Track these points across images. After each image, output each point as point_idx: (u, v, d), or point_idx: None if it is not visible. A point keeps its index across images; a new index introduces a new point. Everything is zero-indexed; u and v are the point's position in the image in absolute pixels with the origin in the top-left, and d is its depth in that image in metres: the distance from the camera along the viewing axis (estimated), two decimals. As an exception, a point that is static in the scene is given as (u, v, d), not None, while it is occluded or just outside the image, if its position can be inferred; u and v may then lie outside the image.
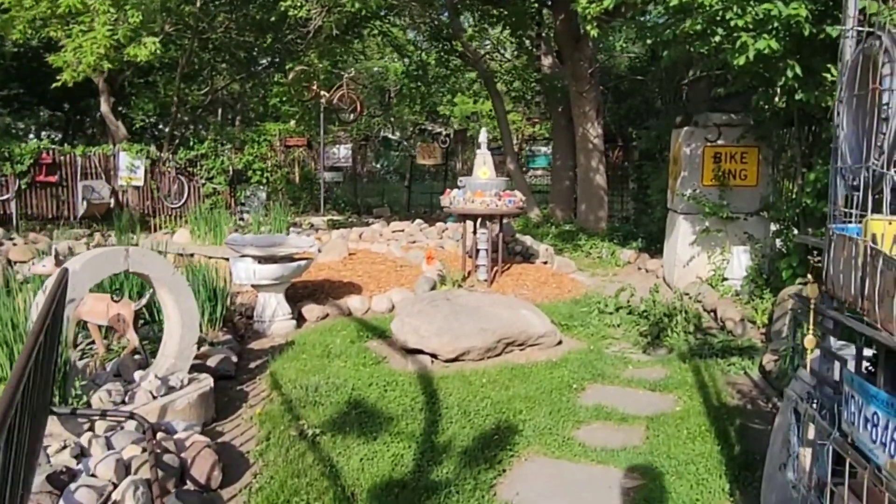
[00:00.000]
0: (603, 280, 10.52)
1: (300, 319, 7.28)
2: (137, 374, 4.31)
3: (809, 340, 2.29)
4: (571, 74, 12.96)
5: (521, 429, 4.53)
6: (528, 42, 14.65)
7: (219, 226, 11.94)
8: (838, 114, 2.22)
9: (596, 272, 11.28)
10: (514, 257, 10.48)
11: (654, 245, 12.10)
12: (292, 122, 19.48)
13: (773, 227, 8.98)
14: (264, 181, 17.87)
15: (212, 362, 5.45)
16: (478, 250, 8.92)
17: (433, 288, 8.33)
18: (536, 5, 12.93)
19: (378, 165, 19.19)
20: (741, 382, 5.77)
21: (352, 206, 18.76)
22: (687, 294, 8.86)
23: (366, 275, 8.90)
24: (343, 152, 18.64)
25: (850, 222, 2.40)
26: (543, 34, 14.81)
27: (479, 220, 8.87)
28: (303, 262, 6.91)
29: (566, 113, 14.49)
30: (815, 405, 2.29)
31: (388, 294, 8.04)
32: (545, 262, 10.44)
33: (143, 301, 4.91)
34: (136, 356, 4.92)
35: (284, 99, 17.13)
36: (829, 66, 5.22)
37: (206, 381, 4.56)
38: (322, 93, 16.05)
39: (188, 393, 4.31)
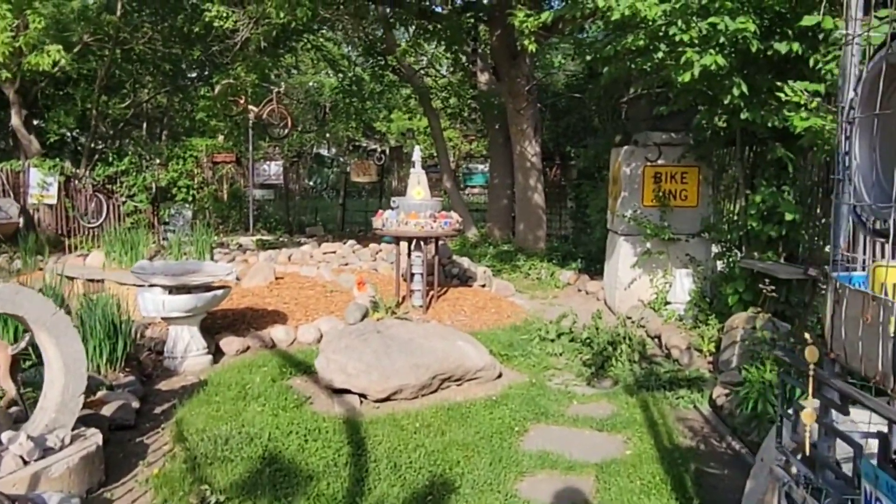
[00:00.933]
0: (543, 303, 10.17)
1: (218, 353, 6.64)
2: (6, 435, 3.64)
3: (808, 415, 1.89)
4: (508, 91, 12.66)
5: (458, 484, 4.04)
6: (464, 58, 14.31)
7: (136, 247, 11.19)
8: (846, 138, 1.84)
9: (535, 294, 10.92)
10: (451, 280, 10.03)
11: (594, 266, 11.84)
12: (220, 138, 18.67)
13: (714, 249, 8.80)
14: (190, 199, 17.02)
15: (108, 410, 4.79)
16: (412, 274, 8.43)
17: (365, 315, 7.80)
18: (472, 21, 12.61)
19: (311, 183, 18.50)
20: (691, 418, 5.43)
21: (284, 225, 18.04)
22: (630, 318, 8.57)
23: (293, 301, 8.30)
24: (274, 169, 17.92)
25: (852, 268, 2.01)
26: (479, 50, 14.51)
27: (414, 243, 8.40)
28: (219, 292, 6.28)
29: (503, 130, 14.20)
30: (810, 491, 1.89)
31: (317, 323, 7.46)
32: (483, 285, 10.02)
33: (22, 344, 4.23)
34: (13, 408, 4.24)
35: (212, 113, 16.32)
36: (778, 83, 4.96)
37: (94, 439, 3.92)
38: (251, 107, 15.37)
39: (69, 455, 3.67)
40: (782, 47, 5.04)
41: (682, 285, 8.05)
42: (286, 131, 16.59)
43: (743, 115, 5.78)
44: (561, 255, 12.68)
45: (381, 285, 9.37)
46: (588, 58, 7.33)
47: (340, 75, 19.43)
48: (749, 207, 6.56)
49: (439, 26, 11.60)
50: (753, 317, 5.76)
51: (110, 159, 16.35)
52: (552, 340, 7.58)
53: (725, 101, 5.65)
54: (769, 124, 5.73)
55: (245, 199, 17.65)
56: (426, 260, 8.35)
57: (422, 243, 8.29)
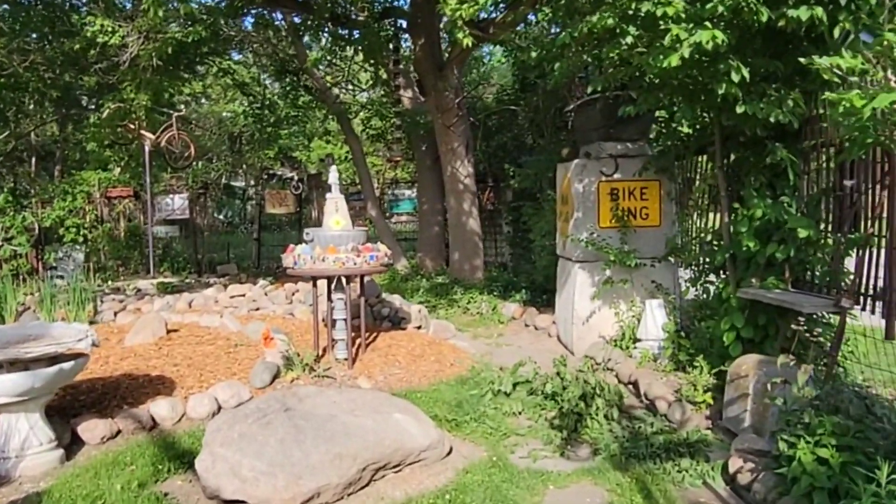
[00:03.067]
0: (488, 344, 8.84)
1: (75, 444, 5.00)
2: None
3: None
4: (436, 106, 11.40)
5: None
6: (384, 73, 13.00)
7: (4, 300, 9.33)
8: None
9: (478, 333, 9.58)
10: (381, 323, 8.59)
11: (540, 297, 10.61)
12: (117, 171, 16.76)
13: (683, 275, 7.67)
14: (81, 240, 15.05)
15: None
16: (334, 321, 6.97)
17: (276, 376, 6.28)
18: (392, 29, 11.33)
19: (221, 216, 16.77)
20: (704, 500, 4.15)
21: (193, 265, 16.21)
22: (592, 358, 7.34)
23: (186, 363, 6.69)
24: (178, 202, 16.09)
25: None
26: (402, 64, 13.25)
27: (335, 282, 6.95)
28: (68, 364, 4.67)
29: (431, 151, 12.94)
30: None
31: (213, 391, 5.89)
32: (419, 327, 8.62)
33: None
34: None
35: (101, 141, 14.48)
36: (802, 60, 3.79)
37: None
38: (146, 133, 13.63)
39: None
40: (802, 13, 3.90)
41: (653, 319, 6.84)
42: (189, 160, 14.89)
43: (739, 109, 4.62)
44: (502, 285, 11.42)
45: (297, 334, 7.86)
46: (534, 54, 6.11)
47: (251, 99, 17.87)
48: (738, 224, 5.40)
49: (355, 33, 10.26)
50: (767, 361, 4.54)
51: (-19, 198, 14.28)
52: (507, 394, 6.24)
53: (720, 92, 4.48)
54: (773, 119, 4.58)
55: (145, 237, 15.79)
56: (350, 302, 6.91)
57: (344, 282, 6.85)
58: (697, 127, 6.70)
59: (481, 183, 14.58)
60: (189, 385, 6.13)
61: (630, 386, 6.32)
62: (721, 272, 6.45)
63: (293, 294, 9.36)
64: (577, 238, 7.63)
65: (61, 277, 15.24)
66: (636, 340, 7.04)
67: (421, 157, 13.69)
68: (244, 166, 19.05)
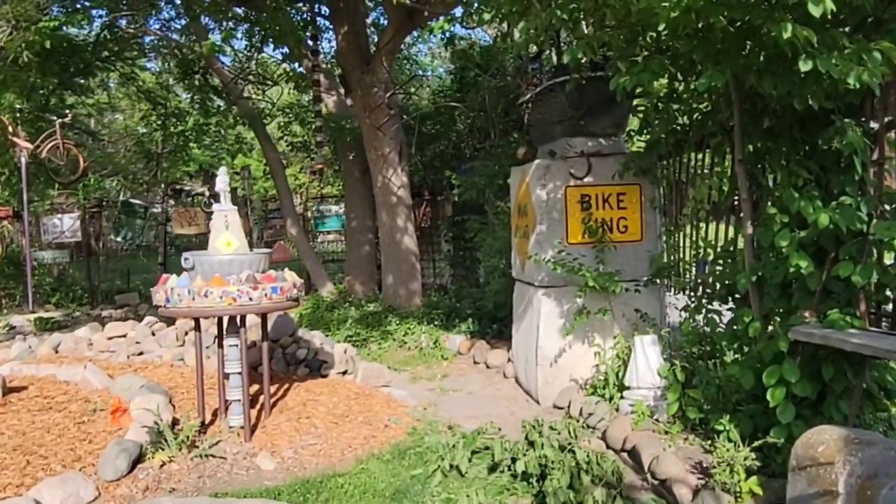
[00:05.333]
0: (431, 389, 7.18)
1: None
2: None
3: None
4: (363, 105, 9.72)
5: None
6: (304, 70, 11.25)
7: None
8: None
9: (418, 374, 7.92)
10: (295, 369, 6.81)
11: (489, 326, 9.02)
12: (-4, 189, 14.45)
13: (673, 301, 6.19)
14: (-55, 268, 12.75)
15: None
16: (227, 375, 5.18)
17: (138, 461, 4.47)
18: (308, 15, 9.59)
19: (120, 238, 14.63)
20: None
21: (89, 294, 14.00)
22: (564, 410, 5.78)
23: (13, 442, 4.79)
24: (68, 223, 13.92)
25: None
26: (322, 58, 11.54)
27: (227, 323, 5.17)
28: None
29: (360, 161, 11.24)
30: None
31: (37, 492, 4.04)
32: (345, 372, 6.88)
33: None
34: None
35: None
36: None
37: None
38: (21, 142, 11.48)
39: None
40: None
41: (646, 361, 5.30)
42: (78, 175, 12.76)
43: (804, 65, 3.12)
44: (443, 313, 9.76)
45: (185, 389, 6.04)
46: (487, 16, 4.54)
47: (160, 108, 15.81)
48: (777, 236, 3.90)
49: (262, 15, 8.51)
50: (862, 441, 3.01)
51: None
52: (463, 473, 4.57)
53: (786, 35, 2.97)
54: (852, 82, 3.10)
55: (33, 264, 13.53)
56: (245, 348, 5.14)
57: (239, 322, 5.07)
58: (696, 116, 5.25)
59: (417, 196, 12.96)
60: (8, 479, 4.25)
61: (625, 454, 4.74)
62: (730, 299, 4.98)
63: (186, 333, 7.48)
64: (541, 258, 6.06)
65: (-78, 313, 12.94)
66: (623, 388, 5.47)
67: (348, 167, 11.96)
68: (145, 182, 16.88)
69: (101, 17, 13.66)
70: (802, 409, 3.81)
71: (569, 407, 5.88)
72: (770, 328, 4.28)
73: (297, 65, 11.20)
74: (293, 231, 12.07)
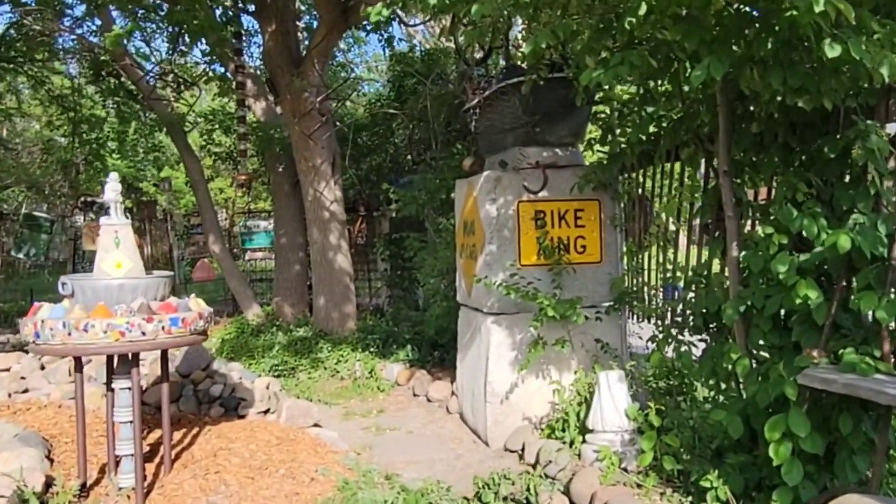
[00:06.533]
0: (366, 428, 6.38)
1: None
2: None
3: None
4: (292, 111, 8.87)
5: None
6: (229, 73, 10.34)
7: None
8: None
9: (352, 409, 7.11)
10: (208, 409, 5.89)
11: (430, 354, 8.28)
12: None
13: (633, 328, 5.58)
14: None
15: None
16: (117, 425, 4.28)
17: (-8, 540, 3.52)
18: (231, 10, 8.70)
19: (21, 255, 13.29)
20: None
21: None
22: (518, 455, 5.09)
23: None
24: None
25: None
26: (253, 66, 10.66)
27: (116, 362, 4.27)
28: None
29: (290, 173, 10.39)
30: None
31: None
32: (266, 411, 5.99)
33: None
34: None
35: None
36: None
37: None
38: None
39: None
40: None
41: (612, 400, 4.63)
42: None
43: (831, 51, 2.51)
44: (380, 338, 8.96)
45: (71, 438, 5.05)
46: (433, 1, 3.84)
47: (72, 114, 14.54)
48: (775, 260, 3.29)
49: (176, 7, 7.60)
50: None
51: None
52: (404, 543, 3.79)
53: (816, 10, 2.35)
54: (886, 73, 2.51)
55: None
56: (139, 392, 4.25)
57: (129, 361, 4.18)
58: (665, 123, 4.65)
59: (352, 211, 12.16)
60: None
61: (593, 513, 4.05)
62: (706, 328, 4.39)
63: (87, 363, 6.46)
64: (491, 281, 5.36)
65: None
66: (586, 430, 4.79)
67: (278, 179, 11.08)
68: (62, 195, 15.54)
69: (6, 13, 12.51)
70: (807, 465, 3.19)
71: (523, 451, 5.19)
72: (761, 367, 3.67)
73: (220, 67, 10.28)
74: (215, 248, 11.08)
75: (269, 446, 5.16)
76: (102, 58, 11.50)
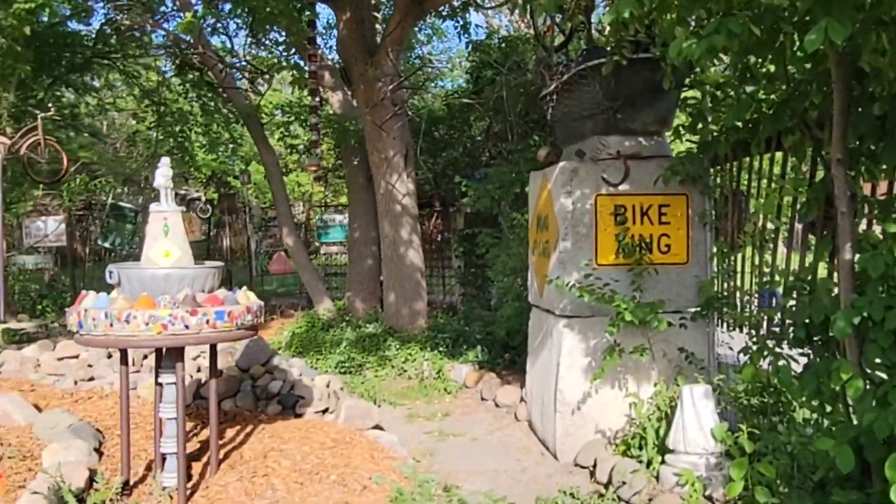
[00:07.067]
0: (429, 433, 6.07)
1: None
2: None
3: None
4: (365, 101, 8.65)
5: None
6: (306, 65, 10.22)
7: None
8: None
9: (416, 411, 6.81)
10: (265, 406, 5.69)
11: (501, 356, 7.89)
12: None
13: (725, 338, 5.03)
14: (-85, 272, 11.75)
15: None
16: (162, 422, 4.09)
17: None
18: (304, 1, 8.52)
19: (107, 244, 13.64)
20: None
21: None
22: (589, 471, 4.65)
23: None
24: (52, 226, 12.95)
25: None
26: (330, 57, 10.50)
27: (164, 354, 4.08)
28: None
29: (365, 166, 10.17)
30: None
31: None
32: (325, 411, 5.75)
33: None
34: None
35: None
36: None
37: None
38: (-2, 137, 10.56)
39: None
40: None
41: (696, 418, 4.13)
42: (60, 174, 11.80)
43: None
44: (450, 338, 8.64)
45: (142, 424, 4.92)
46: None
47: (162, 108, 14.88)
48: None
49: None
50: None
51: None
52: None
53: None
54: None
55: (13, 268, 12.57)
56: (184, 388, 4.05)
57: (175, 355, 3.97)
58: (764, 108, 4.10)
59: (427, 206, 11.89)
60: None
61: (672, 548, 3.58)
62: (809, 341, 3.82)
63: (145, 357, 6.41)
64: (564, 282, 4.93)
65: None
66: (665, 451, 4.30)
67: (353, 172, 10.91)
68: (139, 185, 15.93)
69: (102, 10, 12.85)
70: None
71: (594, 468, 4.74)
72: (877, 390, 3.12)
73: (298, 58, 10.17)
74: (289, 241, 11.01)
75: (323, 449, 4.89)
76: (186, 51, 11.63)
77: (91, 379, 6.35)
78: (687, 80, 4.92)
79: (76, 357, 6.67)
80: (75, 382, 6.28)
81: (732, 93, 4.24)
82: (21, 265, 12.66)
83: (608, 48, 4.67)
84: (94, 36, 14.33)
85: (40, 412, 5.19)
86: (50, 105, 11.93)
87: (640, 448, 4.53)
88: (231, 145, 14.71)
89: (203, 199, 13.64)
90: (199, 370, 5.96)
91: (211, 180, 18.18)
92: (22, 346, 8.05)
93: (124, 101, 20.02)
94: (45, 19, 13.54)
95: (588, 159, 5.12)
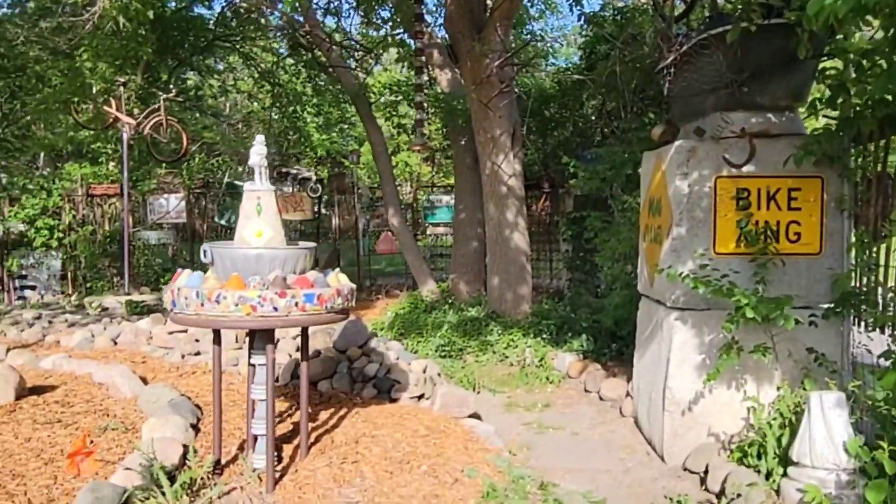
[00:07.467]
0: (527, 424, 5.81)
1: None
2: None
3: None
4: (472, 79, 8.40)
5: None
6: (416, 44, 10.06)
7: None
8: None
9: (515, 400, 6.57)
10: (361, 389, 5.61)
11: (607, 346, 7.51)
12: (111, 165, 14.29)
13: (863, 339, 4.49)
14: (55, 244, 12.59)
15: None
16: (253, 402, 4.05)
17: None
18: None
19: (223, 221, 14.13)
20: None
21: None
22: (699, 478, 4.27)
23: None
24: (173, 203, 13.53)
25: None
26: (438, 34, 10.31)
27: (256, 336, 4.03)
28: None
29: (472, 147, 9.94)
30: None
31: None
32: (420, 397, 5.60)
33: None
34: None
35: (48, 119, 12.01)
36: None
37: None
38: (124, 117, 11.06)
39: None
40: None
41: (826, 429, 3.66)
42: (180, 154, 12.27)
43: None
44: (555, 324, 8.32)
45: (226, 407, 4.96)
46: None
47: (278, 88, 15.24)
48: None
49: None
50: None
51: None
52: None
53: None
54: None
55: (138, 243, 13.25)
56: (273, 370, 3.98)
57: (266, 337, 3.91)
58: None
59: (535, 188, 11.54)
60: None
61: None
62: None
63: (248, 334, 6.49)
64: (677, 271, 4.53)
65: (32, 288, 12.92)
66: (788, 462, 3.86)
67: (460, 153, 10.72)
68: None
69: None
70: None
71: (705, 474, 4.36)
72: None
73: (405, 34, 10.03)
74: (394, 221, 10.98)
75: (415, 437, 4.75)
76: (297, 31, 11.77)
77: (197, 353, 6.50)
78: (826, 49, 4.37)
79: (185, 331, 6.85)
80: (182, 356, 6.46)
81: (882, 61, 3.69)
82: (145, 240, 13.30)
83: (735, 15, 4.21)
84: (215, 19, 14.83)
85: (146, 385, 5.34)
86: (172, 87, 12.42)
87: (759, 457, 4.10)
88: (344, 126, 14.86)
89: (314, 178, 13.84)
90: (297, 350, 5.96)
91: (323, 160, 18.55)
92: (142, 318, 8.43)
93: (244, 82, 20.72)
94: (174, 5, 14.11)
95: (708, 138, 4.66)
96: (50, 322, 9.03)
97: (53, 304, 11.05)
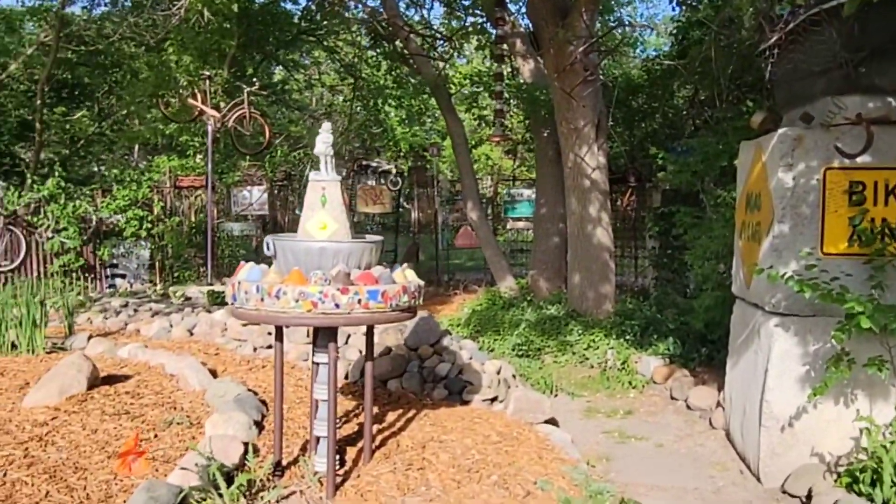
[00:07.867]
0: (608, 433, 5.46)
1: None
2: None
3: None
4: (554, 67, 8.03)
5: None
6: (497, 31, 9.75)
7: (33, 308, 6.33)
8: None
9: (595, 405, 6.22)
10: (431, 389, 5.38)
11: (696, 350, 7.02)
12: (198, 158, 14.62)
13: None
14: (144, 234, 12.95)
15: None
16: (315, 402, 3.87)
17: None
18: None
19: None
20: None
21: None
22: (793, 496, 3.83)
23: (56, 456, 3.83)
24: (256, 195, 13.72)
25: None
26: (521, 22, 9.95)
27: (319, 335, 3.84)
28: None
29: (555, 139, 9.57)
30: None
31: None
32: (493, 400, 5.33)
33: None
34: None
35: (138, 112, 12.30)
36: None
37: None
38: (209, 110, 11.24)
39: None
40: None
41: (957, 458, 3.18)
42: (263, 146, 12.38)
43: None
44: (639, 325, 7.88)
45: (289, 405, 4.84)
46: None
47: (360, 80, 15.24)
48: None
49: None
50: None
51: (31, 183, 12.54)
52: None
53: None
54: None
55: (222, 234, 13.50)
56: (335, 370, 3.78)
57: (328, 334, 3.72)
58: None
59: (621, 182, 11.07)
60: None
61: None
62: None
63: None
64: (778, 272, 4.08)
65: (123, 276, 13.35)
66: (908, 494, 3.40)
67: (542, 145, 10.37)
68: (352, 157, 16.48)
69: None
70: None
71: (808, 499, 3.92)
72: None
73: (487, 23, 9.75)
74: (473, 215, 10.73)
75: (486, 443, 4.48)
76: (378, 21, 11.67)
77: (269, 347, 6.42)
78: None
79: (257, 324, 6.80)
80: (254, 349, 6.40)
81: None
82: (229, 231, 13.54)
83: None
84: (300, 13, 14.93)
85: (215, 377, 5.27)
86: (255, 80, 12.55)
87: (873, 485, 3.63)
88: (427, 119, 14.73)
89: (394, 171, 13.74)
90: (368, 346, 5.78)
91: (406, 154, 18.49)
92: (221, 308, 8.49)
93: (328, 76, 20.90)
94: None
95: (817, 125, 4.19)
96: (135, 310, 9.21)
97: (140, 293, 11.34)
